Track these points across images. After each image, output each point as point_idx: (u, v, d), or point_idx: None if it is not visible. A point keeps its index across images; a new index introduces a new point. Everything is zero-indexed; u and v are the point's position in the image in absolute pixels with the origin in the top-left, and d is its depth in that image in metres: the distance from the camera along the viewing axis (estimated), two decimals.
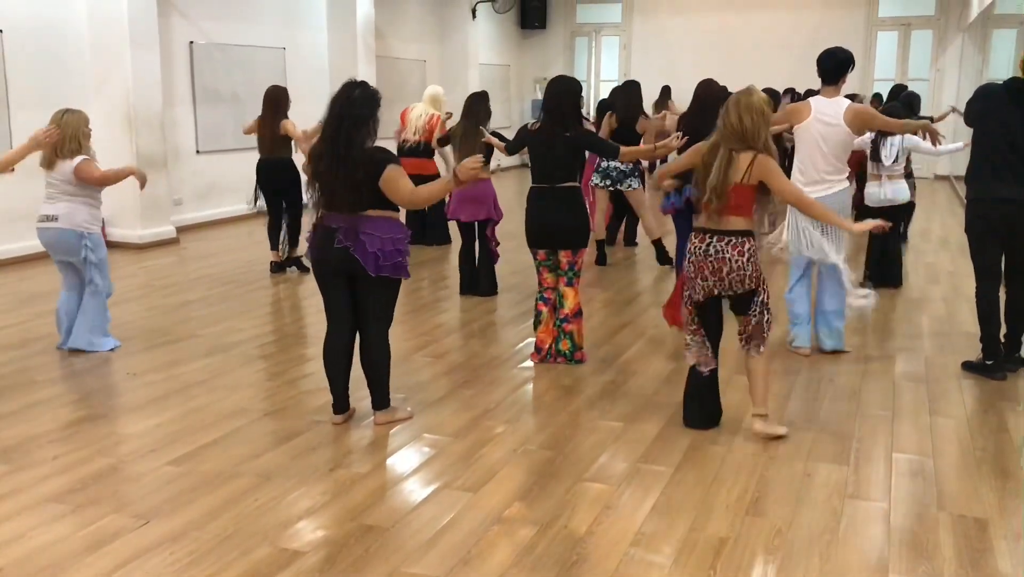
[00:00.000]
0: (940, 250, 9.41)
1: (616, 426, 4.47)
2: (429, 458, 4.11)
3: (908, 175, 8.82)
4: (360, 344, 4.42)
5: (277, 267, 8.08)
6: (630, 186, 8.29)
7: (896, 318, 6.65)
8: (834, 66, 5.43)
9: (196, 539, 3.31)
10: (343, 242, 4.14)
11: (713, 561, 3.18)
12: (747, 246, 4.13)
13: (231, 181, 11.17)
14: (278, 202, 7.97)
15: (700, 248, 4.19)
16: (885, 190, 7.24)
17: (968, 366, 5.35)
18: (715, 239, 4.15)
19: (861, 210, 7.32)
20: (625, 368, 5.39)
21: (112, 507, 3.56)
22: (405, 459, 4.11)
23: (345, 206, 4.17)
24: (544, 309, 5.50)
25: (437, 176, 9.15)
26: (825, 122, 5.33)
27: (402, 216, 4.43)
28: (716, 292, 4.22)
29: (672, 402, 4.78)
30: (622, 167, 8.19)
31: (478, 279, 7.25)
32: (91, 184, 5.45)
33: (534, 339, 5.57)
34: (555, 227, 5.32)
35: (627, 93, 8.30)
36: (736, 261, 4.11)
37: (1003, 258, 5.25)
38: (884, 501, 3.68)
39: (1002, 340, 5.28)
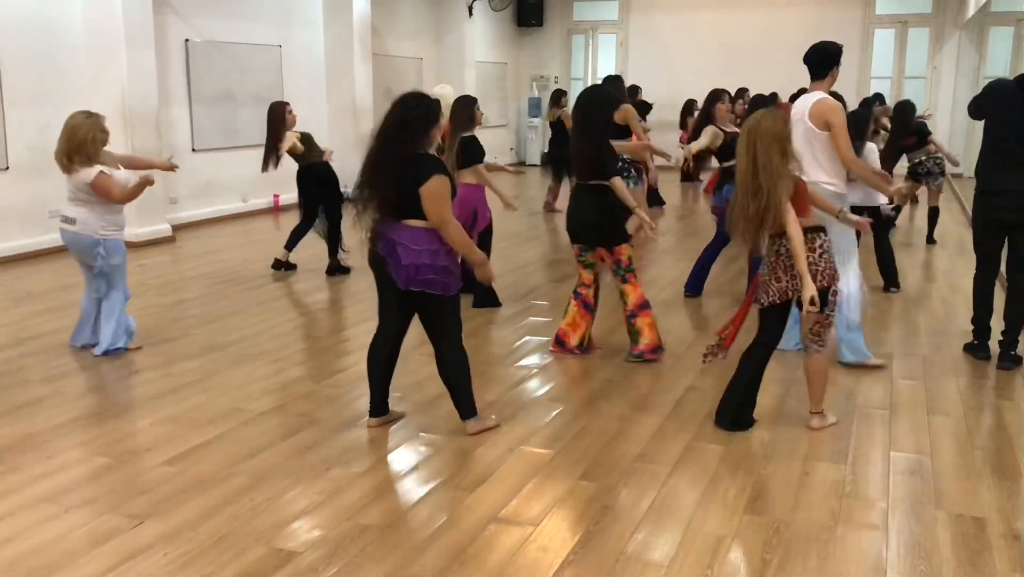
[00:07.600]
0: (937, 249, 9.41)
1: (613, 425, 4.46)
2: (426, 457, 4.09)
3: (916, 175, 8.78)
4: (436, 358, 4.30)
5: (278, 264, 8.12)
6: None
7: (893, 317, 6.64)
8: (819, 60, 5.10)
9: (191, 539, 3.29)
10: (382, 251, 4.08)
11: (711, 561, 3.17)
12: (818, 242, 4.14)
13: (227, 179, 11.16)
14: (315, 208, 7.98)
15: (772, 249, 4.19)
16: (856, 191, 7.11)
17: (965, 347, 5.69)
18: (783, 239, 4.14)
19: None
20: (622, 366, 5.38)
21: (106, 507, 3.55)
22: (401, 458, 4.10)
23: (389, 213, 4.06)
24: (573, 303, 5.56)
25: None
26: (794, 119, 4.96)
27: None
28: (790, 294, 4.17)
29: (669, 400, 4.78)
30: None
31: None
32: (109, 201, 5.35)
33: (536, 337, 5.54)
34: (581, 223, 5.42)
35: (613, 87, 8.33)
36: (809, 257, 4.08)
37: (1006, 250, 5.44)
38: (882, 500, 3.67)
39: (1000, 337, 5.41)
